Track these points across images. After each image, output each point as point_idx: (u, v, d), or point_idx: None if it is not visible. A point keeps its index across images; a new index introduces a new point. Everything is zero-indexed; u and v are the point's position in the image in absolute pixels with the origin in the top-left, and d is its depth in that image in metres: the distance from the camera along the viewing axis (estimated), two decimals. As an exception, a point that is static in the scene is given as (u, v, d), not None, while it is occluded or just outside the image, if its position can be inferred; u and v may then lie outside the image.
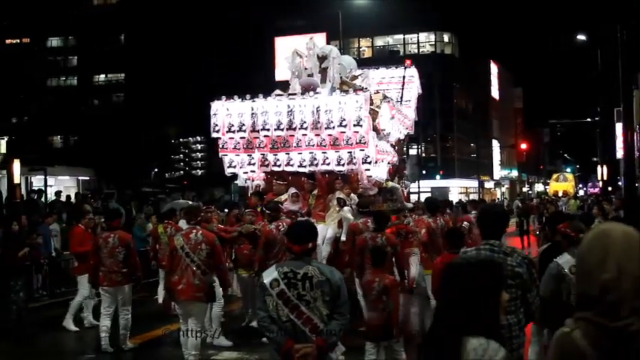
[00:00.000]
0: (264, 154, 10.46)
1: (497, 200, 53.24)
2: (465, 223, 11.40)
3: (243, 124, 10.31)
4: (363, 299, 6.98)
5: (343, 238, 9.24)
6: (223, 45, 70.73)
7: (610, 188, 40.10)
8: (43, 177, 20.25)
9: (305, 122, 9.95)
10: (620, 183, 32.68)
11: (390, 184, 10.80)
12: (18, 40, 72.43)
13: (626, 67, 16.68)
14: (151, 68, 66.36)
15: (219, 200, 20.72)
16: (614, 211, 13.46)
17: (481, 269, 2.52)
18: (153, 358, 8.84)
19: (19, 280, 9.97)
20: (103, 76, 74.90)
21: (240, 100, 10.45)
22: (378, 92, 11.45)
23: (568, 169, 77.85)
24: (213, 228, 8.01)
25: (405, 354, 6.70)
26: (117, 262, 8.60)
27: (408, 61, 13.81)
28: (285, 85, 11.79)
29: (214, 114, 10.51)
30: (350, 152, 9.86)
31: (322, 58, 11.04)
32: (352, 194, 9.85)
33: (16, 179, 15.84)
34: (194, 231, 7.15)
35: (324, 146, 9.94)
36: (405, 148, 15.41)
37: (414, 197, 22.54)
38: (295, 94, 10.50)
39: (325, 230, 9.34)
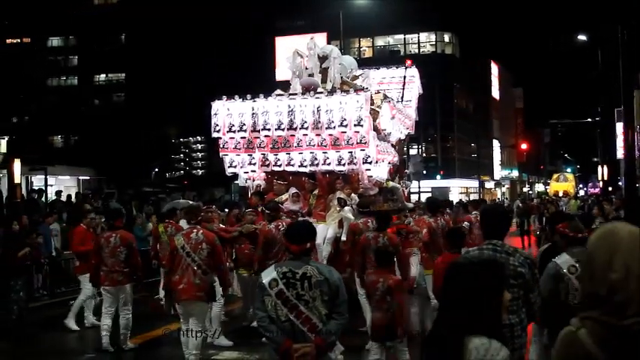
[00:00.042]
0: (264, 154, 10.47)
1: (497, 200, 53.21)
2: (466, 223, 11.42)
3: (244, 124, 10.31)
4: (365, 299, 6.97)
5: (344, 238, 9.25)
6: (223, 45, 70.63)
7: (610, 188, 40.05)
8: (43, 177, 20.24)
9: (306, 122, 9.96)
10: (620, 183, 32.72)
11: (391, 184, 10.80)
12: (18, 40, 72.28)
13: (626, 67, 16.67)
14: (152, 68, 66.32)
15: (220, 200, 20.72)
16: (615, 212, 13.45)
17: (484, 269, 2.52)
18: (153, 358, 8.85)
19: (19, 280, 9.98)
20: (103, 75, 74.89)
21: (241, 100, 10.46)
22: (378, 92, 11.47)
23: (568, 169, 77.78)
24: (214, 228, 8.00)
25: (408, 354, 6.69)
26: (118, 262, 8.60)
27: (408, 61, 13.85)
28: (285, 85, 11.80)
29: (215, 114, 10.52)
30: (351, 152, 9.87)
31: (323, 58, 11.05)
32: (353, 194, 9.85)
33: (17, 179, 15.88)
34: (195, 231, 7.15)
35: (325, 146, 9.95)
36: (405, 148, 15.41)
37: (414, 197, 22.51)
38: (296, 94, 10.51)
39: (326, 230, 9.34)
